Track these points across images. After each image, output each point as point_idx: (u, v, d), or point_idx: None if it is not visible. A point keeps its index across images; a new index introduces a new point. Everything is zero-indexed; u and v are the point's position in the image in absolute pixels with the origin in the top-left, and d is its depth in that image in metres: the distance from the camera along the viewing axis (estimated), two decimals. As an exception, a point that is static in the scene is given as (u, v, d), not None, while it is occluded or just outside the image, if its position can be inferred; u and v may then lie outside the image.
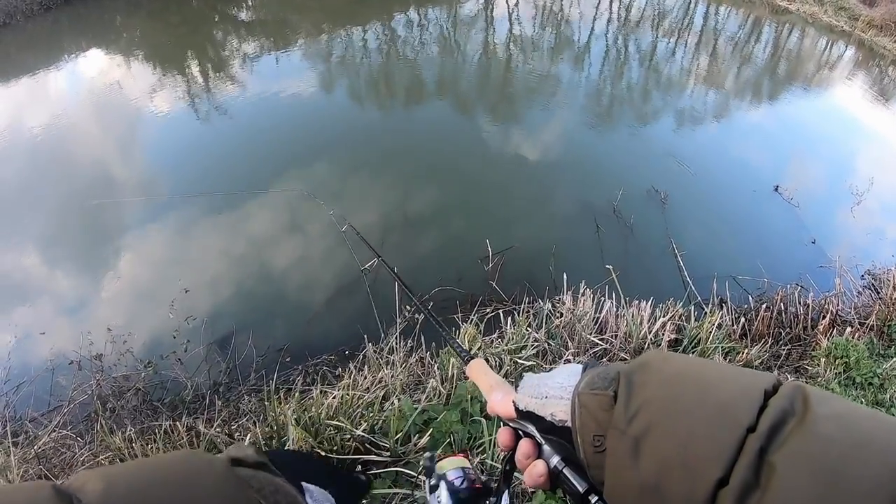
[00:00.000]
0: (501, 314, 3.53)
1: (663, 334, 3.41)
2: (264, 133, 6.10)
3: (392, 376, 2.95)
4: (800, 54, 12.51)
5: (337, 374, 3.22)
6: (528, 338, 3.20)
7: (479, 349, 3.03)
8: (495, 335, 3.30)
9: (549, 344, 3.20)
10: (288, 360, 3.49)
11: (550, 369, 0.71)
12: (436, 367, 2.97)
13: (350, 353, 3.39)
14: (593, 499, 0.59)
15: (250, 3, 10.64)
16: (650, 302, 3.64)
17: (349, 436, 2.44)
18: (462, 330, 3.20)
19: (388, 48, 8.99)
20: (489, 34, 9.92)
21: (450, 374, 2.85)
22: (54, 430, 2.96)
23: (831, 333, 3.98)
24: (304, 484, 0.57)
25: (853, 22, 16.04)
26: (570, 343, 3.21)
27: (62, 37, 8.98)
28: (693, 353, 3.40)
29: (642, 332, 3.39)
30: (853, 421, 0.44)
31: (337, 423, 2.47)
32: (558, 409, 0.62)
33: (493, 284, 3.97)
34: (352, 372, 3.05)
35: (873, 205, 6.38)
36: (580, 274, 3.85)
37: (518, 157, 6.17)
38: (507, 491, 0.77)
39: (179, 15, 9.81)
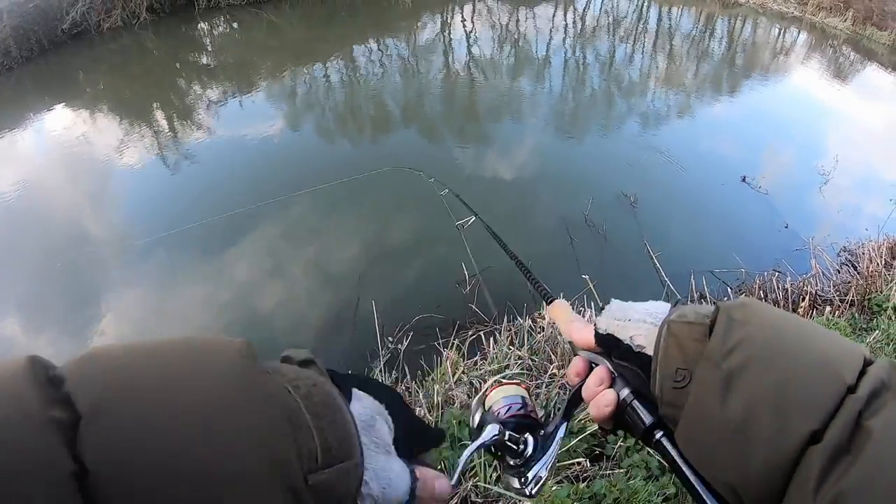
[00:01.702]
0: (483, 335, 3.54)
1: (645, 336, 3.43)
2: (233, 177, 6.11)
3: (379, 409, 2.94)
4: (755, 44, 12.81)
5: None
6: (511, 356, 3.21)
7: (462, 373, 3.04)
8: (478, 357, 3.30)
9: (532, 360, 3.21)
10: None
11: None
12: (421, 396, 2.96)
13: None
14: (658, 433, 0.57)
15: (210, 49, 10.70)
16: (630, 305, 3.66)
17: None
18: (444, 356, 3.20)
19: (350, 80, 9.07)
20: (449, 58, 10.04)
21: (436, 401, 2.85)
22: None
23: (812, 314, 4.03)
24: (354, 390, 0.48)
25: (802, 7, 16.45)
26: (553, 357, 3.22)
27: (26, 95, 8.96)
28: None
29: (626, 338, 3.40)
30: None
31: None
32: (640, 333, 0.58)
33: (473, 307, 3.98)
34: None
35: (841, 182, 6.51)
36: (558, 287, 3.83)
37: (487, 177, 6.23)
38: (565, 424, 0.71)
39: (141, 66, 9.83)
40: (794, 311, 4.06)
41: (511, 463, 0.71)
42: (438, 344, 3.38)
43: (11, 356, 0.33)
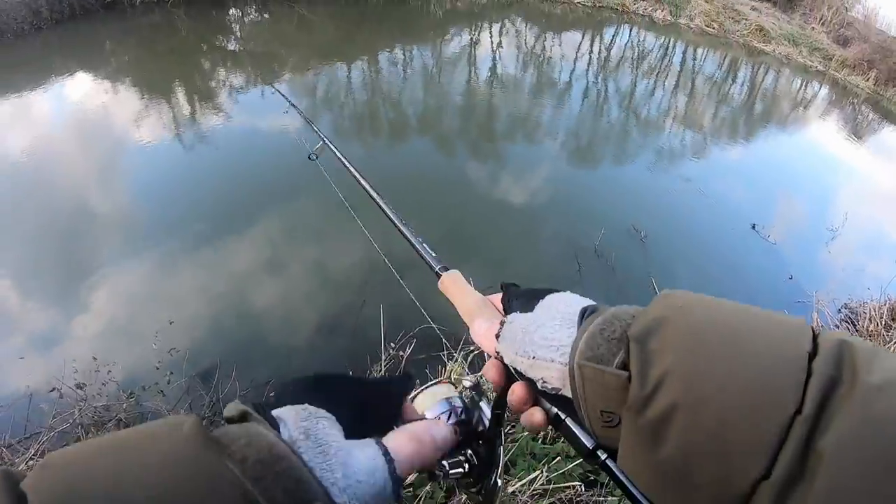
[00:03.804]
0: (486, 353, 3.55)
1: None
2: (246, 167, 6.12)
3: (378, 413, 2.96)
4: (776, 94, 12.94)
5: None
6: (515, 375, 3.23)
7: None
8: (480, 372, 3.31)
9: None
10: (272, 395, 3.45)
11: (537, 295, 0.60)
12: (421, 405, 2.98)
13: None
14: (602, 455, 0.51)
15: (238, 35, 10.76)
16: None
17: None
18: (448, 367, 3.21)
19: (372, 85, 9.12)
20: (472, 73, 10.11)
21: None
22: (31, 459, 2.90)
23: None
24: (276, 414, 0.45)
25: (827, 62, 16.69)
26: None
27: (52, 58, 8.98)
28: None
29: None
30: None
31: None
32: (551, 375, 0.51)
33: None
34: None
35: (849, 239, 6.57)
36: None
37: (500, 196, 6.26)
38: (500, 430, 0.66)
39: (169, 43, 9.88)
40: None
41: (463, 483, 0.68)
42: (443, 355, 3.39)
43: None
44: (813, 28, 19.87)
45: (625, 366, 0.45)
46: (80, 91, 7.86)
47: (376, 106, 8.52)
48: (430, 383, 0.72)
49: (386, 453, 0.45)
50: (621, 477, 0.49)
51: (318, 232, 5.14)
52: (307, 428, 0.44)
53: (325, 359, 3.83)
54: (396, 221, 1.07)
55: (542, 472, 2.51)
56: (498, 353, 0.57)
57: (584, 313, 0.53)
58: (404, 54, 10.13)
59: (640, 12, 16.05)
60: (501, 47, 11.59)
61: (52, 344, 4.04)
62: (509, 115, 8.64)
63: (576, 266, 5.03)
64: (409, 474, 0.48)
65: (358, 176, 1.35)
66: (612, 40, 13.62)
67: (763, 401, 0.39)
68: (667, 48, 13.94)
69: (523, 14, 13.80)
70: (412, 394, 0.68)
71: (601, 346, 0.47)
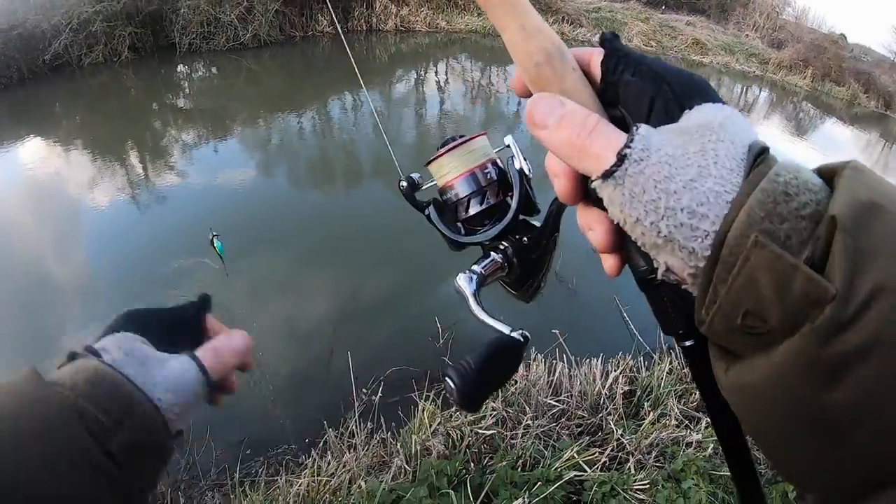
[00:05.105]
0: (458, 387, 3.62)
1: (616, 388, 3.58)
2: (203, 223, 6.10)
3: (356, 459, 2.99)
4: (717, 105, 13.56)
5: (300, 462, 3.21)
6: (487, 407, 3.30)
7: (439, 424, 3.11)
8: (454, 409, 3.38)
9: (507, 412, 3.30)
10: (248, 452, 3.46)
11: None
12: (398, 446, 3.02)
13: (311, 441, 3.40)
14: (687, 342, 0.42)
15: (188, 92, 10.81)
16: (600, 358, 3.83)
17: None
18: (420, 408, 3.27)
19: (324, 131, 9.25)
20: (422, 112, 10.36)
21: (413, 450, 2.92)
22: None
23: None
24: (97, 345, 0.50)
25: (764, 66, 17.64)
26: (527, 408, 3.32)
27: (2, 123, 8.89)
28: (647, 402, 3.59)
29: (596, 389, 3.56)
30: None
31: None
32: (682, 264, 0.35)
33: (446, 360, 4.07)
34: (315, 459, 3.07)
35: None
36: (532, 339, 4.00)
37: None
38: (554, 241, 0.64)
39: (119, 103, 9.86)
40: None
41: (502, 281, 0.68)
42: (415, 395, 3.45)
43: None
44: (747, 35, 20.99)
45: (819, 258, 0.30)
46: (31, 156, 7.78)
47: (329, 152, 8.63)
48: (461, 140, 0.71)
49: (195, 358, 0.52)
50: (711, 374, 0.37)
51: (280, 287, 5.17)
52: (126, 349, 0.50)
53: (298, 412, 3.82)
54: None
55: (524, 499, 2.56)
56: (594, 186, 0.37)
57: (757, 156, 0.35)
58: (354, 98, 10.32)
59: (580, 38, 16.70)
60: (448, 84, 11.91)
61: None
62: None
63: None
64: (220, 375, 0.54)
65: None
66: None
67: None
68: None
69: (468, 51, 14.23)
70: (434, 157, 0.71)
71: (786, 222, 0.31)
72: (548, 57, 0.40)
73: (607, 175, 0.35)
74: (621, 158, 0.35)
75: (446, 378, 0.50)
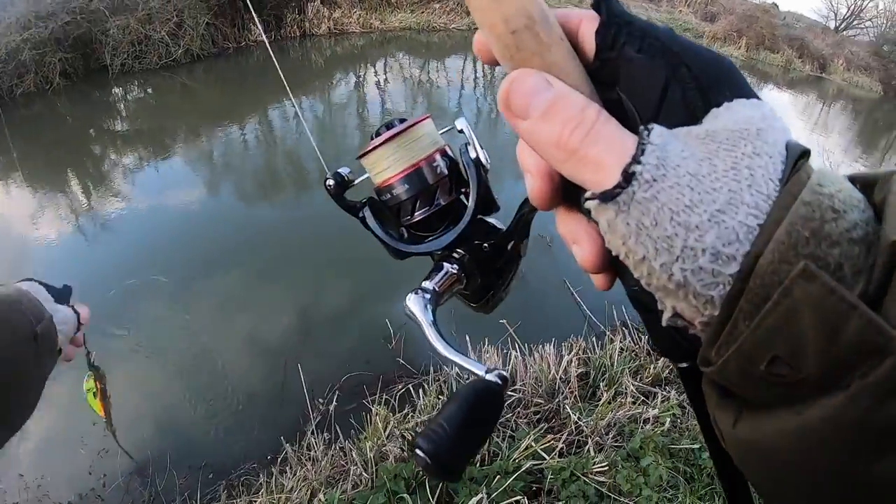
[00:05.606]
0: (411, 388, 3.69)
1: (571, 370, 3.67)
2: (151, 247, 6.04)
3: (316, 472, 3.03)
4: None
5: (261, 481, 3.24)
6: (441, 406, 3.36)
7: (393, 427, 3.17)
8: (408, 409, 3.45)
9: (462, 407, 3.37)
10: (210, 476, 3.47)
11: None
12: (355, 455, 3.07)
13: (273, 458, 3.42)
14: (683, 364, 0.36)
15: (125, 114, 10.56)
16: (553, 343, 3.92)
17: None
18: (374, 412, 3.32)
19: (266, 141, 9.17)
20: (363, 113, 10.35)
21: (369, 457, 2.97)
22: None
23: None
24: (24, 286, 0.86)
25: (699, 40, 17.97)
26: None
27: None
28: (602, 381, 3.68)
29: (551, 374, 3.64)
30: None
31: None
32: (692, 309, 0.28)
33: (401, 360, 4.12)
34: (274, 475, 3.10)
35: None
36: (481, 332, 4.09)
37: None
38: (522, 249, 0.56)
39: (55, 133, 9.57)
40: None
41: (457, 290, 0.57)
42: (367, 401, 3.50)
43: None
44: (681, 11, 21.46)
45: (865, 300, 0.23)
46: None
47: (271, 162, 8.57)
48: (400, 127, 0.58)
49: (74, 308, 0.93)
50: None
51: (230, 306, 5.16)
52: (42, 300, 0.85)
53: (258, 431, 3.83)
54: None
55: (483, 493, 2.61)
56: (587, 207, 0.29)
57: (794, 158, 0.27)
58: (294, 105, 10.23)
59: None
60: (388, 83, 11.88)
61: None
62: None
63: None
64: (83, 322, 0.95)
65: None
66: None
67: None
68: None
69: (404, 48, 14.21)
70: (369, 149, 0.61)
71: (836, 247, 0.24)
72: (530, 22, 0.29)
73: (608, 198, 0.27)
74: (628, 177, 0.26)
75: (416, 451, 0.42)
